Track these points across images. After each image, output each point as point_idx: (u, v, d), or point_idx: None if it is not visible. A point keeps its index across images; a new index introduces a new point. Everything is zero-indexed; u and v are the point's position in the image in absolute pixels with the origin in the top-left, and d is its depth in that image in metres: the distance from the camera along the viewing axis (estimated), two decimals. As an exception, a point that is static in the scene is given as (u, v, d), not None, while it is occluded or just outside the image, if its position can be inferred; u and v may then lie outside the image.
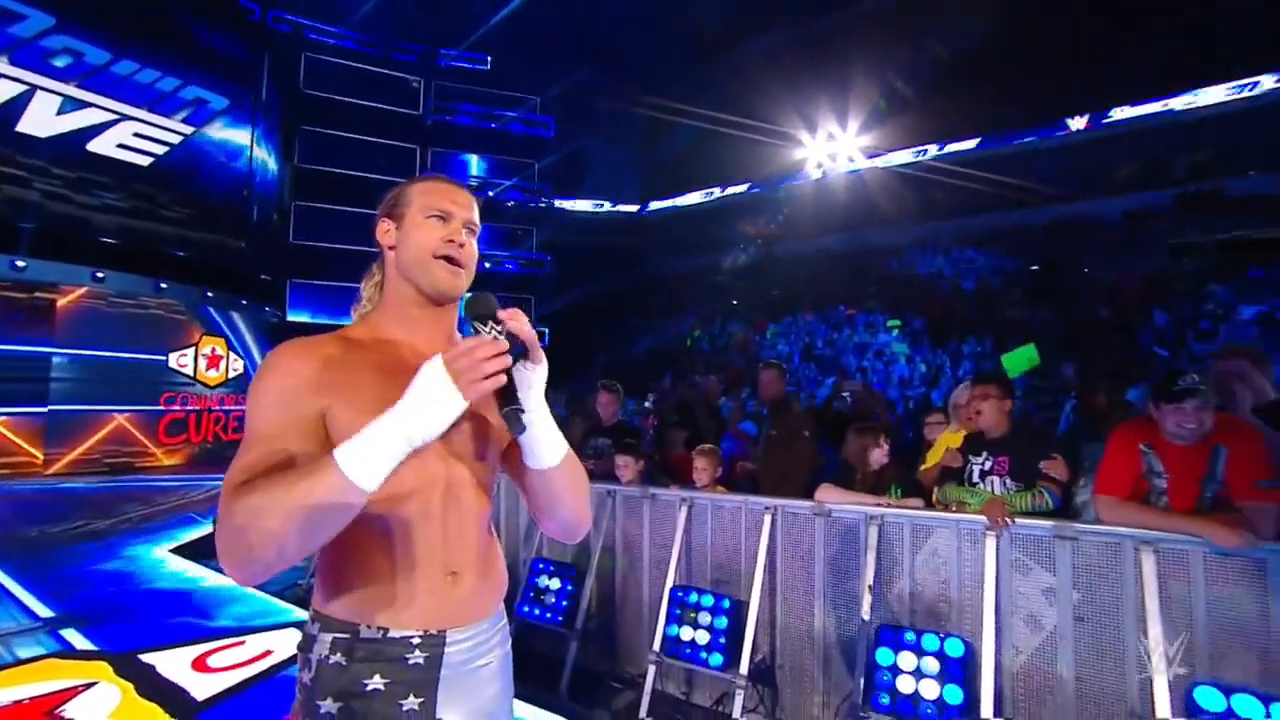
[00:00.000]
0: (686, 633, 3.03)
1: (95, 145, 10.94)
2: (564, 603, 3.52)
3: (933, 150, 18.93)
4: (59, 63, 10.44)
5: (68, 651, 3.49)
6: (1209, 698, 2.04)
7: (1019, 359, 6.06)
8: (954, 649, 2.47)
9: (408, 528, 1.02)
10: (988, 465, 2.71)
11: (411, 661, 1.01)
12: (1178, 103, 15.32)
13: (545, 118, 19.37)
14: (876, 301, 16.42)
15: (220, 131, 13.07)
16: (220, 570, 0.76)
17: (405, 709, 0.99)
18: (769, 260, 21.12)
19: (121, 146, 11.28)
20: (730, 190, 22.86)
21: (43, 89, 10.22)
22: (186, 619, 4.03)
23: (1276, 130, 14.06)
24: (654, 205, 23.99)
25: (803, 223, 21.07)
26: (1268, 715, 1.94)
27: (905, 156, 19.39)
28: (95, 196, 10.92)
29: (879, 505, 2.85)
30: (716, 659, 2.92)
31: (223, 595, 4.49)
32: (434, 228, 1.07)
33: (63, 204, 10.48)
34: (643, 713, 2.95)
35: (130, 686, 3.02)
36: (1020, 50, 15.84)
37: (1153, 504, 2.36)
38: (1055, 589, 2.47)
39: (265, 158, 14.48)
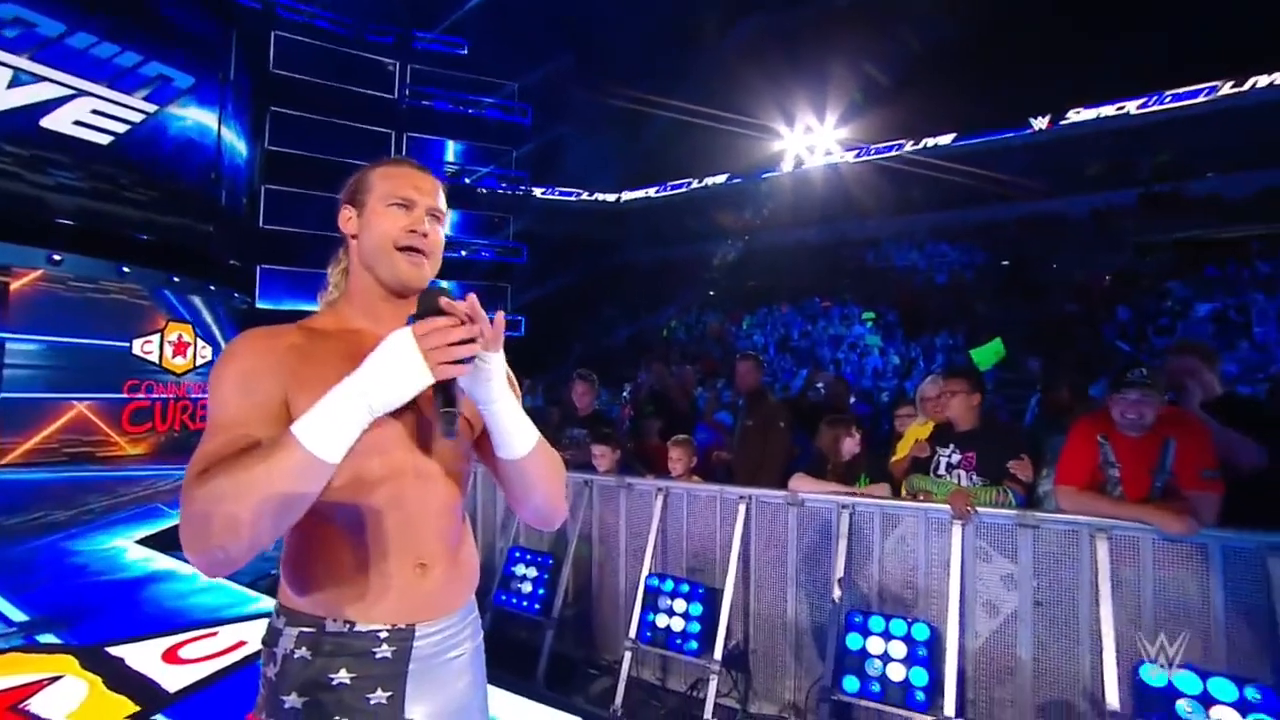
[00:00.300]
0: (662, 620, 3.08)
1: (50, 122, 10.48)
2: (541, 591, 3.54)
3: (909, 145, 19.18)
4: (9, 33, 9.96)
5: (31, 645, 3.41)
6: (1152, 675, 2.15)
7: (987, 353, 6.22)
8: (920, 633, 2.56)
9: (375, 519, 0.99)
10: (955, 459, 2.79)
11: (379, 655, 0.99)
12: (1132, 106, 15.82)
13: (523, 104, 19.12)
14: (852, 294, 16.66)
15: (186, 111, 12.63)
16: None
17: (373, 703, 0.98)
18: (746, 251, 21.25)
19: (79, 124, 10.83)
20: (708, 181, 22.89)
21: (-8, 61, 9.78)
22: (155, 611, 3.96)
23: (1233, 134, 14.55)
24: (632, 195, 23.91)
25: (780, 214, 21.22)
26: (1205, 689, 2.06)
27: (882, 150, 19.62)
28: (50, 175, 10.48)
29: (848, 494, 2.93)
30: (691, 645, 2.98)
31: (192, 586, 4.42)
32: (396, 216, 1.04)
33: (14, 182, 10.04)
34: (618, 699, 3.00)
35: (98, 679, 2.97)
36: (996, 47, 16.11)
37: (1109, 493, 2.47)
38: (1016, 575, 2.57)
39: (234, 140, 14.04)
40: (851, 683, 2.57)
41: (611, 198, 23.72)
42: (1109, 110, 16.13)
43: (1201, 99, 14.92)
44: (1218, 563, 2.26)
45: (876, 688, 2.53)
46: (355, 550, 0.99)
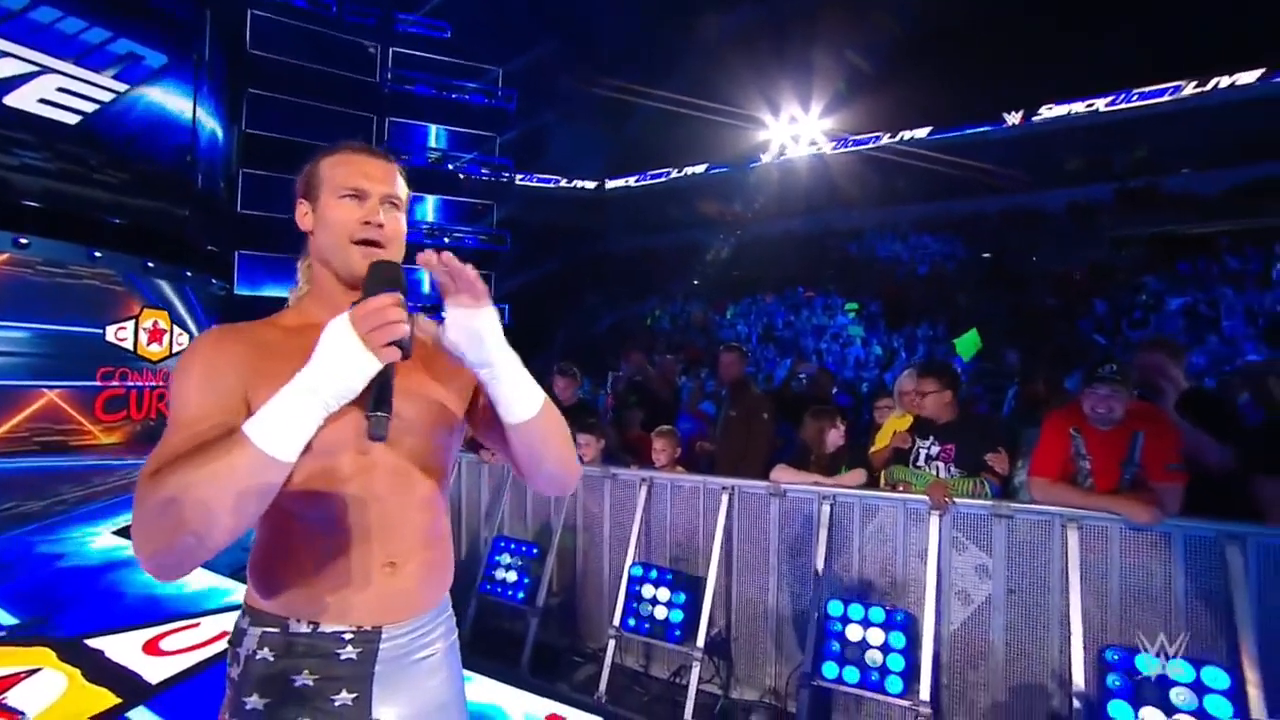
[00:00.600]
0: (645, 608, 3.12)
1: (13, 99, 10.12)
2: (525, 580, 3.57)
3: (886, 137, 19.31)
4: (-34, 7, 9.61)
5: (7, 638, 3.36)
6: (1117, 658, 2.24)
7: (967, 343, 6.36)
8: (897, 621, 2.63)
9: (343, 517, 0.97)
10: (934, 450, 2.86)
11: (344, 657, 0.97)
12: (1101, 103, 16.20)
13: (508, 90, 18.87)
14: (835, 284, 16.79)
15: (158, 91, 12.27)
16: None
17: (337, 704, 0.96)
18: (730, 241, 21.29)
19: (44, 102, 10.47)
20: (692, 170, 22.85)
21: (-52, 35, 9.41)
22: (135, 602, 3.92)
23: (1202, 132, 14.88)
24: (616, 183, 23.79)
25: (764, 204, 21.27)
26: (1164, 670, 2.15)
27: (861, 141, 19.73)
28: (14, 155, 10.14)
29: (829, 484, 2.98)
30: (674, 633, 3.03)
31: (172, 577, 4.37)
32: (348, 209, 0.99)
33: (-25, 162, 9.74)
34: (602, 686, 3.04)
35: (77, 672, 2.94)
36: (972, 43, 16.27)
37: (1080, 484, 2.55)
38: (990, 563, 2.65)
39: (209, 122, 13.69)
40: (830, 669, 2.64)
41: (596, 185, 23.58)
42: (1079, 107, 16.49)
43: (1167, 98, 15.36)
44: (1180, 550, 2.35)
45: (854, 674, 2.60)
46: (321, 550, 0.96)
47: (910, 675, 2.53)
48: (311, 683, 0.96)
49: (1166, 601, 2.34)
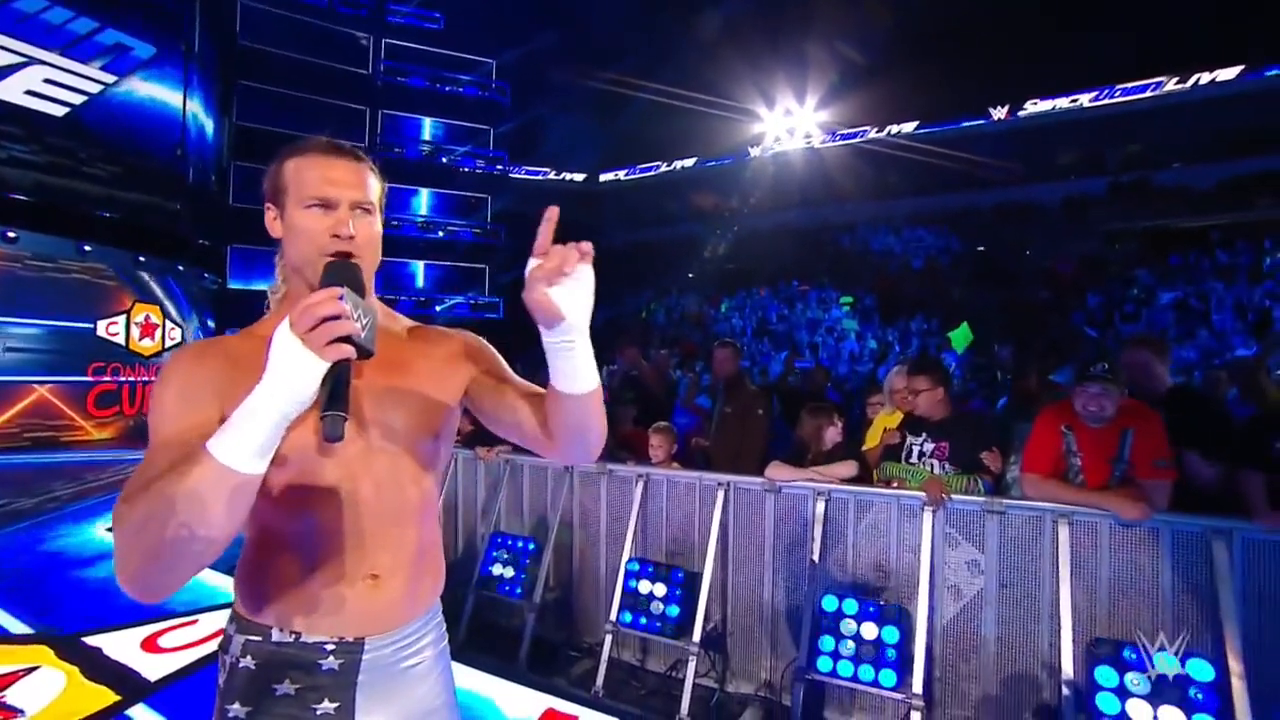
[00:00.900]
0: (642, 603, 3.15)
1: (-1, 91, 10.00)
2: (523, 576, 3.59)
3: (888, 129, 19.33)
4: (-49, -4, 9.46)
5: (3, 636, 3.36)
6: (1105, 651, 2.28)
7: (960, 337, 6.40)
8: (891, 615, 2.66)
9: (323, 529, 0.96)
10: (928, 448, 2.88)
11: (325, 668, 0.96)
12: (1085, 98, 16.41)
13: (501, 83, 18.74)
14: (829, 277, 16.83)
15: (147, 83, 12.13)
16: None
17: (319, 713, 0.96)
18: (724, 234, 21.29)
19: (30, 94, 10.33)
20: (687, 163, 22.81)
21: (-68, 25, 9.27)
22: (132, 600, 3.90)
23: (1197, 126, 14.97)
24: (611, 176, 23.71)
25: (759, 197, 21.27)
26: (1150, 663, 2.19)
27: (849, 136, 19.75)
28: (1, 148, 10.02)
29: (822, 479, 3.00)
30: (670, 628, 3.06)
31: (168, 574, 4.37)
32: (316, 219, 0.95)
33: (-39, 155, 9.62)
34: (599, 680, 3.07)
35: (75, 670, 2.95)
36: (969, 35, 16.29)
37: (1071, 480, 2.58)
38: (983, 558, 2.69)
39: (200, 114, 13.55)
40: (825, 663, 2.67)
41: (591, 178, 23.51)
42: (1064, 102, 16.69)
43: (1149, 94, 15.57)
44: (1168, 545, 2.39)
45: (848, 667, 2.63)
46: (304, 560, 0.96)
47: (903, 668, 2.57)
48: (293, 692, 0.95)
49: (1154, 595, 2.39)
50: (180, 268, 12.55)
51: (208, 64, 13.80)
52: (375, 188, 1.01)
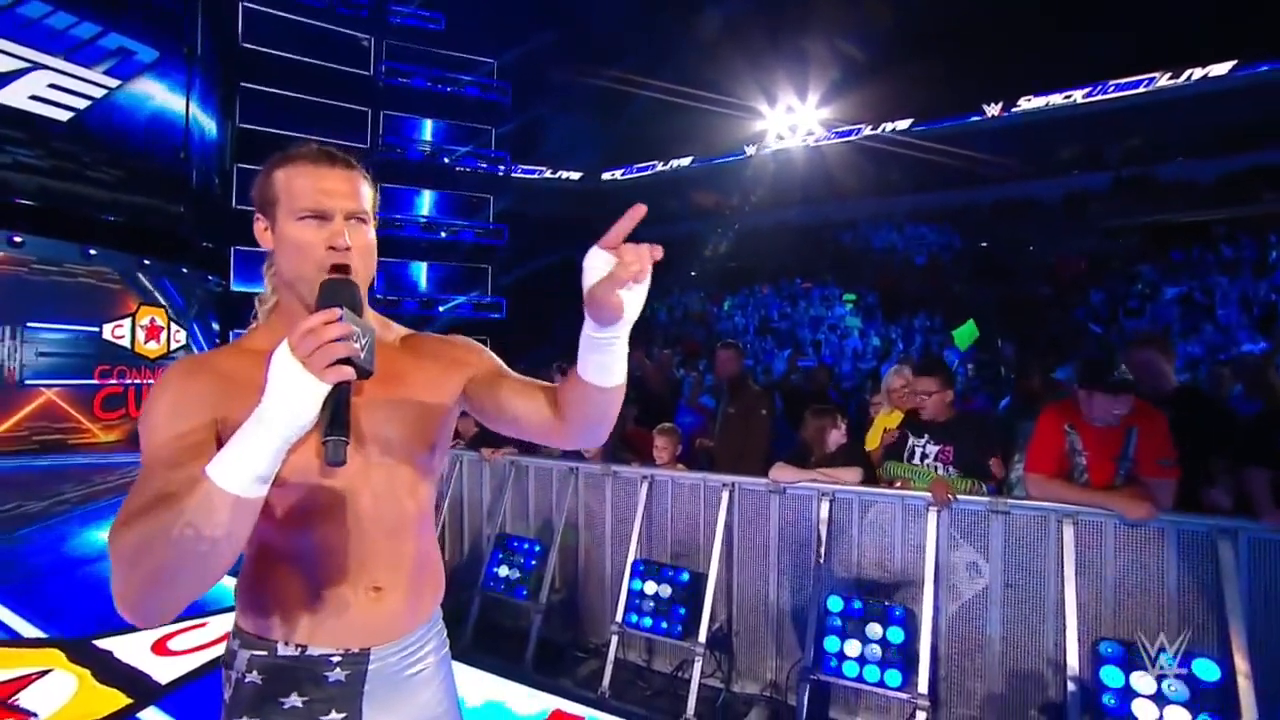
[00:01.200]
0: (647, 604, 3.17)
1: (4, 96, 10.02)
2: (528, 577, 3.60)
3: (890, 125, 19.29)
4: (-46, 2, 9.51)
5: (15, 640, 3.39)
6: (1111, 651, 2.29)
7: (964, 335, 6.39)
8: (896, 615, 2.67)
9: (324, 545, 0.96)
10: (931, 450, 2.88)
11: (332, 679, 0.97)
12: (1078, 94, 16.48)
13: (503, 83, 18.73)
14: (831, 275, 16.81)
15: (150, 87, 12.17)
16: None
17: None
18: (726, 232, 21.28)
19: (35, 99, 10.38)
20: (689, 161, 22.79)
21: (-63, 32, 9.32)
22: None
23: (1196, 121, 14.92)
24: (613, 175, 23.71)
25: (761, 195, 21.25)
26: (1151, 662, 2.20)
27: (861, 130, 19.71)
28: (7, 153, 10.07)
29: (827, 480, 3.01)
30: (676, 629, 3.07)
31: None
32: (310, 232, 0.92)
33: (-33, 160, 9.67)
34: (605, 681, 3.09)
35: (87, 673, 2.98)
36: (968, 32, 16.26)
37: (1076, 480, 2.58)
38: (988, 558, 2.69)
39: (203, 117, 13.59)
40: (830, 663, 2.69)
41: (593, 177, 23.50)
42: (1058, 99, 16.75)
43: (1141, 89, 15.61)
44: (1173, 544, 2.39)
45: (854, 667, 2.65)
46: (307, 574, 0.96)
47: (908, 668, 2.58)
48: (300, 704, 0.96)
49: (1160, 595, 2.39)
50: (184, 270, 12.60)
51: (210, 67, 13.83)
52: (368, 195, 0.99)
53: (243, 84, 15.28)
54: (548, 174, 22.04)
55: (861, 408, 5.29)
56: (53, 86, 10.60)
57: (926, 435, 2.90)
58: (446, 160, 17.97)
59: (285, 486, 0.87)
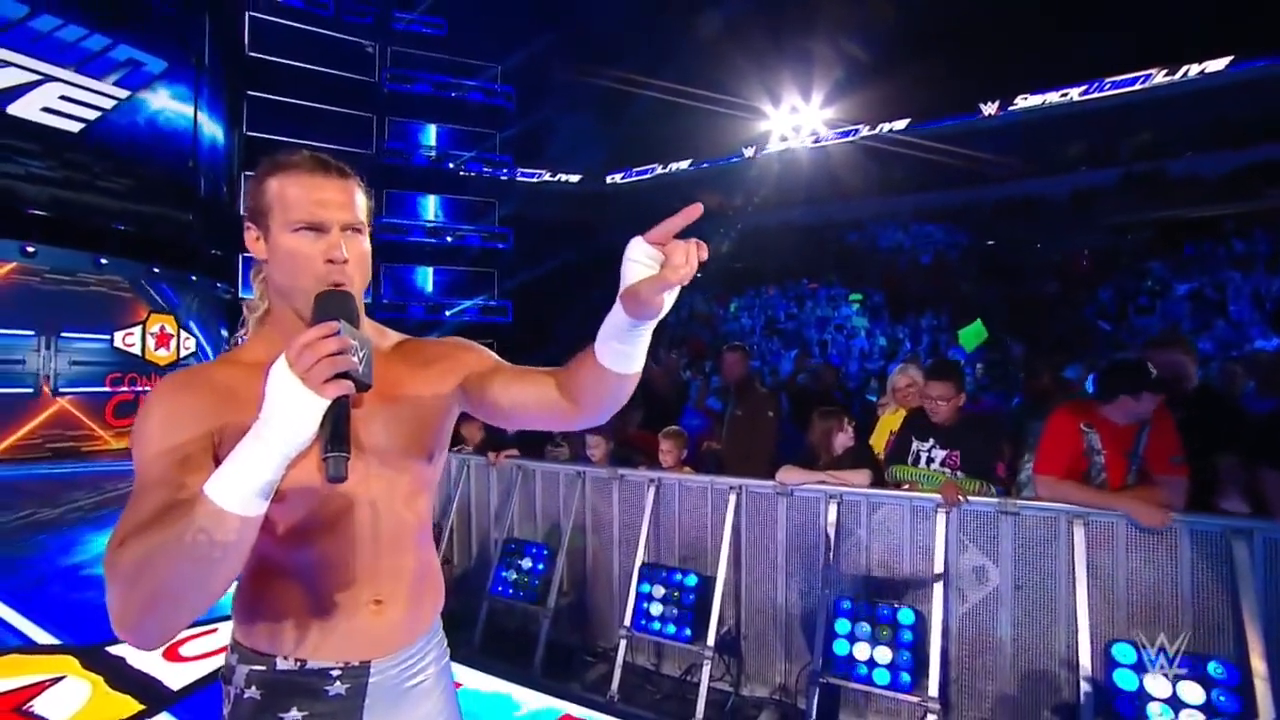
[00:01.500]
0: (656, 607, 3.16)
1: (16, 109, 10.18)
2: (536, 581, 3.61)
3: (895, 124, 19.23)
4: (-32, 18, 9.66)
5: (29, 646, 3.43)
6: (1124, 653, 2.26)
7: (970, 335, 6.34)
8: (905, 617, 2.65)
9: (325, 559, 0.95)
10: (937, 454, 2.86)
11: (332, 693, 0.96)
12: (1075, 92, 16.57)
13: (506, 88, 18.82)
14: (837, 275, 16.75)
15: (159, 96, 12.31)
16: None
17: None
18: (731, 233, 21.25)
19: (47, 110, 10.53)
20: (693, 162, 22.80)
21: (-49, 47, 9.47)
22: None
23: (1203, 117, 14.81)
24: (617, 177, 23.75)
25: (766, 195, 21.22)
26: (1170, 664, 2.17)
27: (866, 129, 19.67)
28: (19, 164, 10.22)
29: (835, 483, 2.99)
30: (685, 632, 3.06)
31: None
32: (306, 244, 0.90)
33: (-18, 172, 9.81)
34: (614, 685, 3.08)
35: (100, 679, 3.00)
36: (970, 30, 16.22)
37: (1093, 479, 2.55)
38: (997, 559, 2.67)
39: (210, 125, 13.73)
40: (840, 666, 2.67)
41: (597, 181, 23.55)
42: (1053, 97, 16.74)
43: (1138, 86, 15.59)
44: (1186, 545, 2.36)
45: (863, 670, 2.63)
46: (306, 588, 0.95)
47: (918, 671, 2.56)
48: (301, 719, 0.96)
49: (1173, 596, 2.36)
50: (193, 278, 12.72)
51: (217, 76, 13.98)
52: (363, 204, 0.97)
53: (249, 92, 15.44)
54: (551, 177, 22.09)
55: (867, 408, 5.27)
56: (64, 98, 10.75)
57: (932, 439, 2.88)
58: (451, 165, 18.06)
59: (284, 501, 0.86)
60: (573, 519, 3.70)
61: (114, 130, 11.46)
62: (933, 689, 2.51)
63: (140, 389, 11.66)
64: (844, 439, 3.12)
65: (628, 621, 3.21)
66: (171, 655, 3.28)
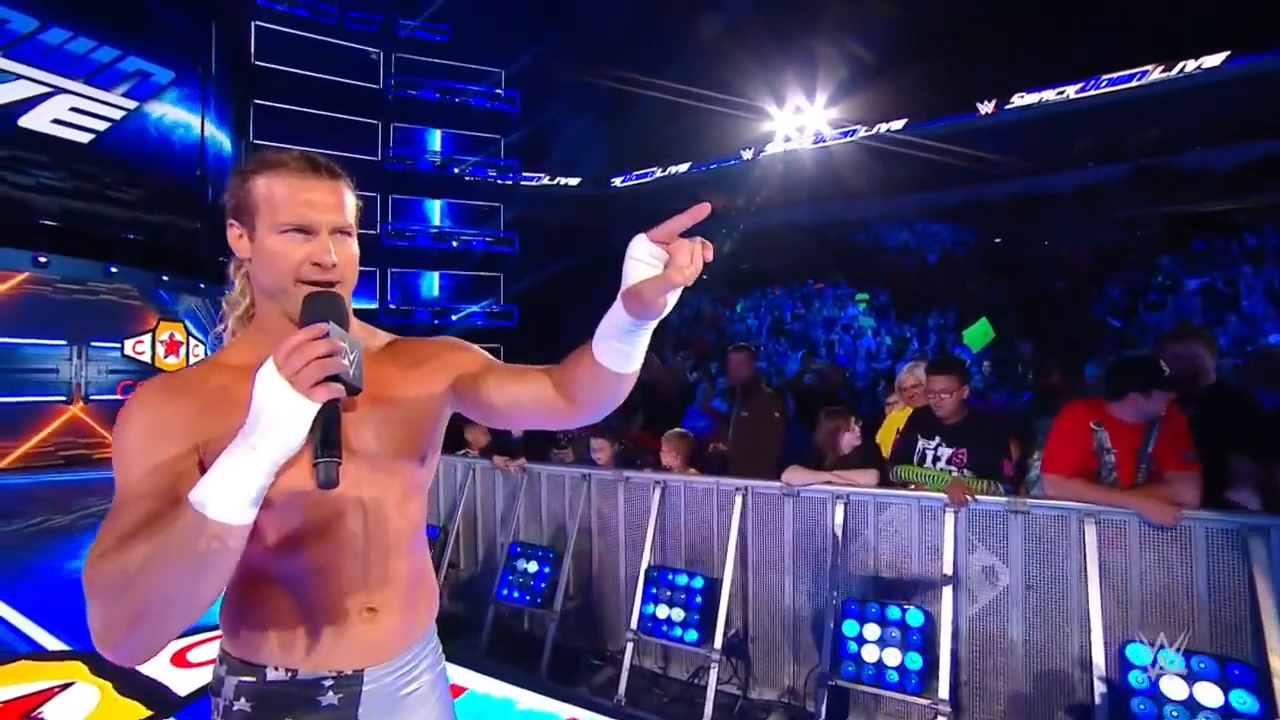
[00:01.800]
0: (662, 610, 3.14)
1: (28, 121, 10.34)
2: (542, 584, 3.59)
3: (898, 123, 19.17)
4: (-21, 31, 9.80)
5: (39, 652, 3.45)
6: (1138, 654, 2.22)
7: (976, 335, 6.29)
8: (914, 619, 2.62)
9: (317, 568, 0.93)
10: (943, 453, 2.83)
11: (325, 704, 0.94)
12: (1070, 90, 16.57)
13: (510, 92, 18.91)
14: (843, 274, 16.68)
15: (167, 106, 12.46)
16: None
17: None
18: (734, 233, 21.22)
19: (58, 122, 10.68)
20: (697, 164, 22.80)
21: (-37, 61, 9.62)
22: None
23: (1210, 111, 14.69)
24: (622, 180, 23.78)
25: (770, 195, 21.18)
26: (1188, 666, 2.13)
27: (870, 129, 19.61)
28: (31, 176, 10.36)
29: (841, 483, 2.97)
30: (691, 635, 3.04)
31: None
32: (293, 246, 0.88)
33: (-5, 184, 9.95)
34: (621, 688, 3.07)
35: (108, 685, 3.01)
36: (972, 29, 16.18)
37: (1104, 478, 2.51)
38: (1007, 559, 2.63)
39: (218, 134, 13.87)
40: (848, 668, 2.64)
41: (601, 184, 23.59)
42: (1050, 95, 16.74)
43: (1135, 83, 15.55)
44: (1201, 544, 2.32)
45: (872, 672, 2.60)
46: (296, 597, 0.93)
47: (928, 673, 2.53)
48: None
49: (1188, 595, 2.32)
50: (201, 285, 12.82)
51: (223, 85, 14.13)
52: (352, 206, 0.95)
53: (255, 101, 15.61)
54: (555, 181, 22.14)
55: (876, 409, 5.23)
56: (74, 110, 10.90)
57: (938, 437, 2.85)
58: (456, 170, 18.15)
59: (273, 507, 0.83)
60: (578, 522, 3.68)
61: (123, 141, 11.60)
62: (943, 691, 2.47)
63: (150, 396, 11.74)
64: (850, 438, 3.09)
65: (634, 624, 3.19)
66: (179, 661, 3.29)
